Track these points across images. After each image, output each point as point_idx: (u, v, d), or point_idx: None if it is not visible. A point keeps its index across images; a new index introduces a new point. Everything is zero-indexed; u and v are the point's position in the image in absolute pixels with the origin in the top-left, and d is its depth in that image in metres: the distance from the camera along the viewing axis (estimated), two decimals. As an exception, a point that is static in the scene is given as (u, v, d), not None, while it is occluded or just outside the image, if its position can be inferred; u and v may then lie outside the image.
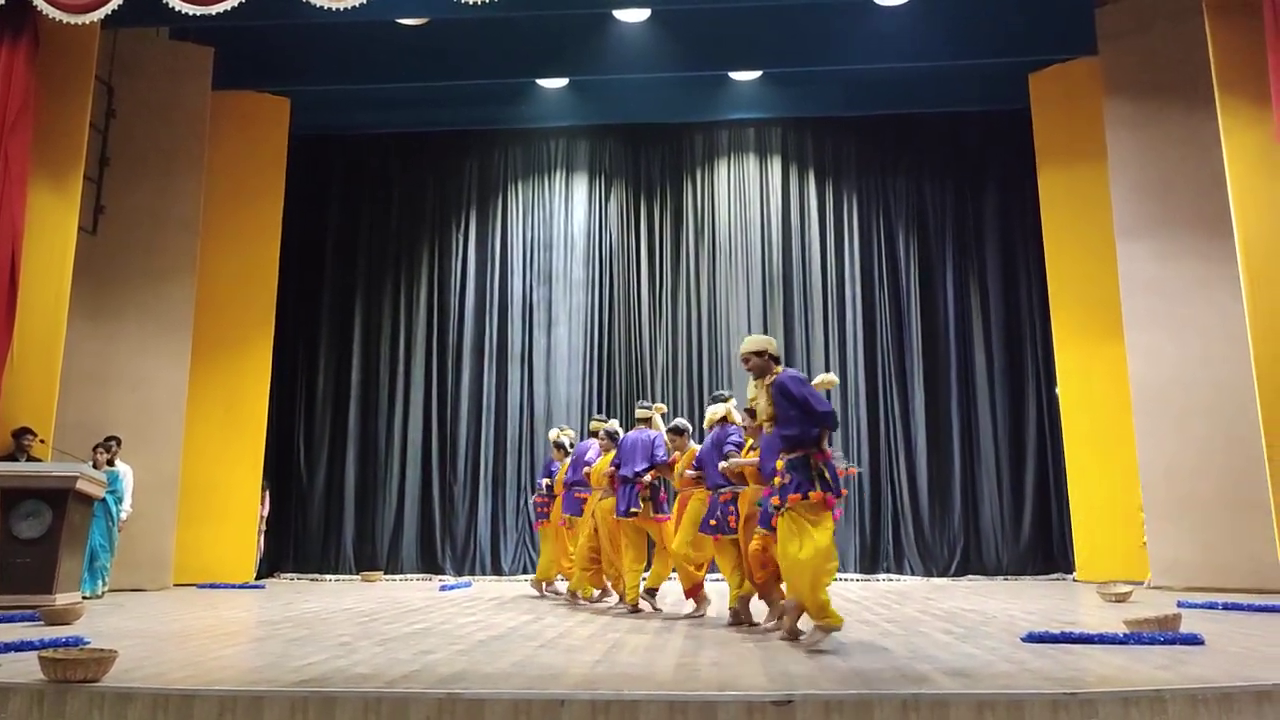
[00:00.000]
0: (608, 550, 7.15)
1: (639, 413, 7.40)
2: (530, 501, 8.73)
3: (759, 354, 5.01)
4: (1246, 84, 7.67)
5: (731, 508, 5.79)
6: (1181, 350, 8.76)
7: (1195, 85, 8.58)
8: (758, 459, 5.48)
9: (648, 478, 6.75)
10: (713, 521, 5.89)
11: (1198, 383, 8.62)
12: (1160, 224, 9.02)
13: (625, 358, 11.59)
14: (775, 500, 4.68)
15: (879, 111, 11.62)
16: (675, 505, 6.68)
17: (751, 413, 5.39)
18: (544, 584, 8.51)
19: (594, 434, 7.75)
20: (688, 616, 6.35)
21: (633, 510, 6.71)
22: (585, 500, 7.49)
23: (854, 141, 11.80)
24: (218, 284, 10.27)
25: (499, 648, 4.73)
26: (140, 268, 9.59)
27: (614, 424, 7.44)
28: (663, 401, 11.25)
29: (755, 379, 5.00)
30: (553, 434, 8.67)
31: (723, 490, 5.89)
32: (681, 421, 6.86)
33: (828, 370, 11.24)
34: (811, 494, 4.56)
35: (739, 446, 5.89)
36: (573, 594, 7.70)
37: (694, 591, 6.52)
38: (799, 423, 4.68)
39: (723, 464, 5.76)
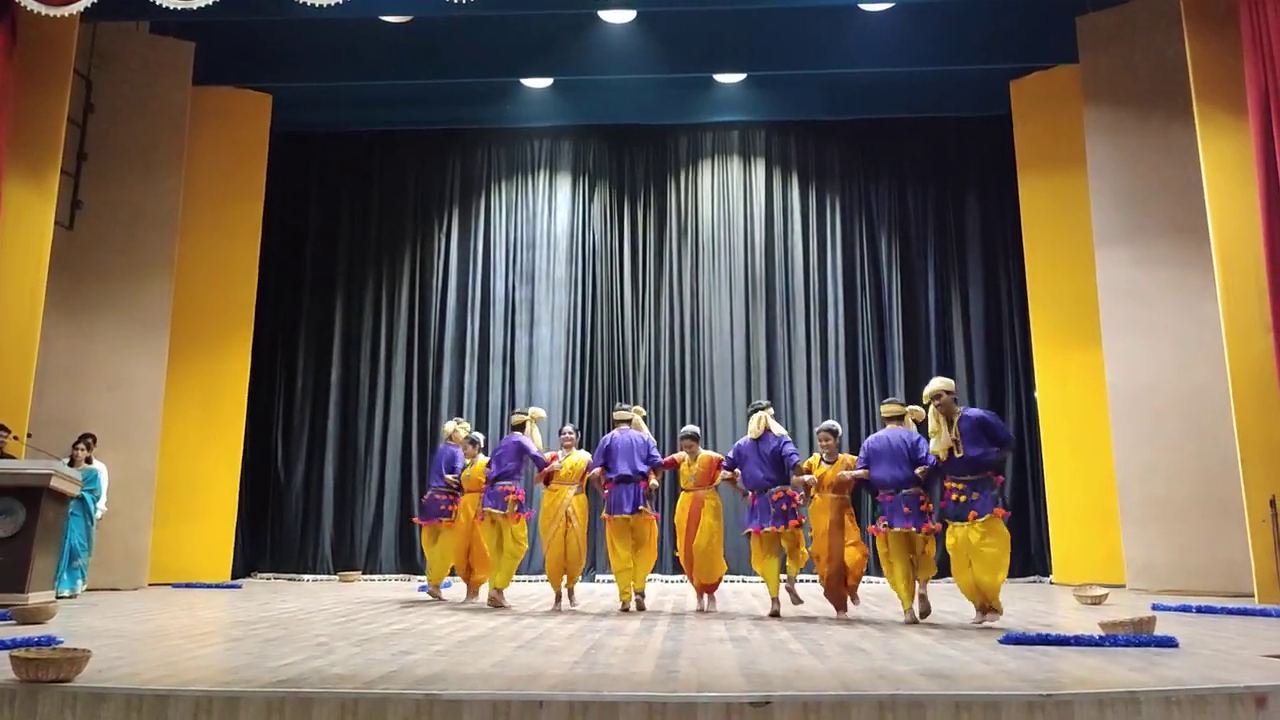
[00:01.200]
0: (574, 549, 7.14)
1: (620, 414, 7.47)
2: (429, 497, 8.10)
3: (949, 392, 6.01)
4: (1224, 94, 7.79)
5: (793, 503, 6.56)
6: (1158, 355, 8.86)
7: (1174, 94, 8.70)
8: (861, 470, 6.33)
9: (654, 479, 7.15)
10: (782, 516, 6.53)
11: (1173, 387, 8.72)
12: (1138, 230, 9.13)
13: (608, 358, 11.58)
14: (973, 515, 5.70)
15: (862, 116, 11.68)
16: (686, 505, 7.12)
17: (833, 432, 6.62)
18: (440, 587, 8.10)
19: (518, 427, 7.52)
20: (702, 612, 6.80)
21: (641, 508, 7.01)
22: (509, 495, 7.19)
23: (837, 145, 11.86)
24: (196, 281, 10.19)
25: (478, 648, 4.72)
26: (118, 264, 9.50)
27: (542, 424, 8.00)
28: (643, 403, 11.32)
29: (942, 414, 5.94)
30: (456, 428, 8.22)
31: (773, 490, 6.58)
32: (694, 428, 7.43)
33: (809, 373, 11.32)
34: (997, 510, 5.72)
35: (797, 455, 6.72)
36: (499, 591, 7.17)
37: (712, 588, 7.08)
38: (988, 450, 5.81)
39: (844, 472, 6.40)
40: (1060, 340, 10.06)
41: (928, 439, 6.15)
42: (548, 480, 7.35)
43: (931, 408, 6.04)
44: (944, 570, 10.55)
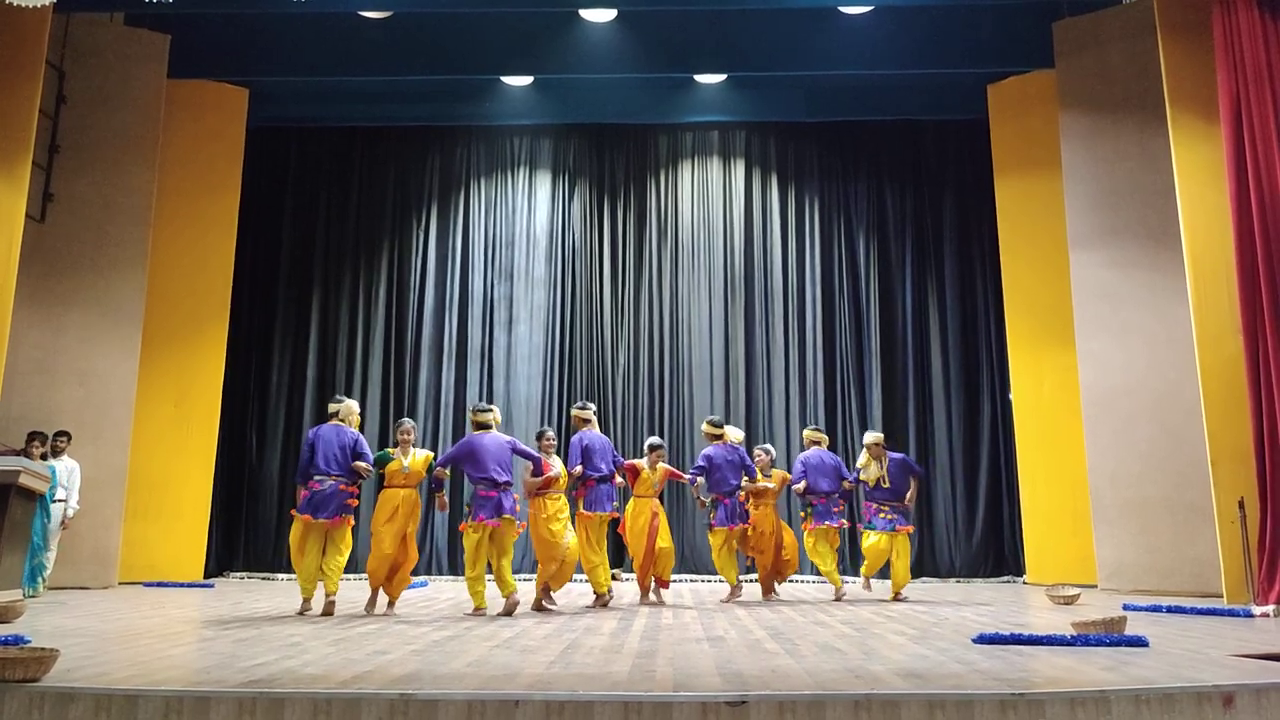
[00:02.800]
0: (551, 552, 6.96)
1: (586, 413, 7.56)
2: (332, 488, 6.70)
3: (881, 443, 8.27)
4: (1196, 101, 7.89)
5: (745, 505, 7.90)
6: (1130, 357, 8.97)
7: (1147, 100, 8.82)
8: (802, 482, 8.23)
9: (618, 478, 7.46)
10: (744, 515, 7.87)
11: (1145, 389, 8.83)
12: (1112, 234, 9.23)
13: (586, 357, 11.56)
14: (900, 529, 8.00)
15: (841, 118, 11.74)
16: (645, 510, 7.51)
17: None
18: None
19: (487, 426, 6.91)
20: (661, 605, 7.36)
21: (616, 505, 7.43)
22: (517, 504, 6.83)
23: (816, 146, 11.90)
24: (170, 276, 10.09)
25: (453, 648, 4.70)
26: (90, 258, 9.39)
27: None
28: (621, 402, 11.36)
29: (873, 456, 8.16)
30: (355, 410, 7.15)
31: (737, 493, 7.81)
32: (659, 439, 8.09)
33: (787, 373, 11.37)
34: (909, 526, 8.12)
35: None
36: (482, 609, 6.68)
37: (667, 583, 7.70)
38: (905, 483, 8.13)
39: (798, 486, 8.26)
40: (1035, 342, 10.16)
41: (850, 468, 8.54)
42: (545, 487, 6.95)
43: (867, 450, 8.22)
44: (914, 572, 10.70)
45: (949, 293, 11.42)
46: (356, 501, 6.91)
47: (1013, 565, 10.62)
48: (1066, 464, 9.54)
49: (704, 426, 8.25)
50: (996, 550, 10.80)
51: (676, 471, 8.00)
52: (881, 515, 7.98)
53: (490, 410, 7.10)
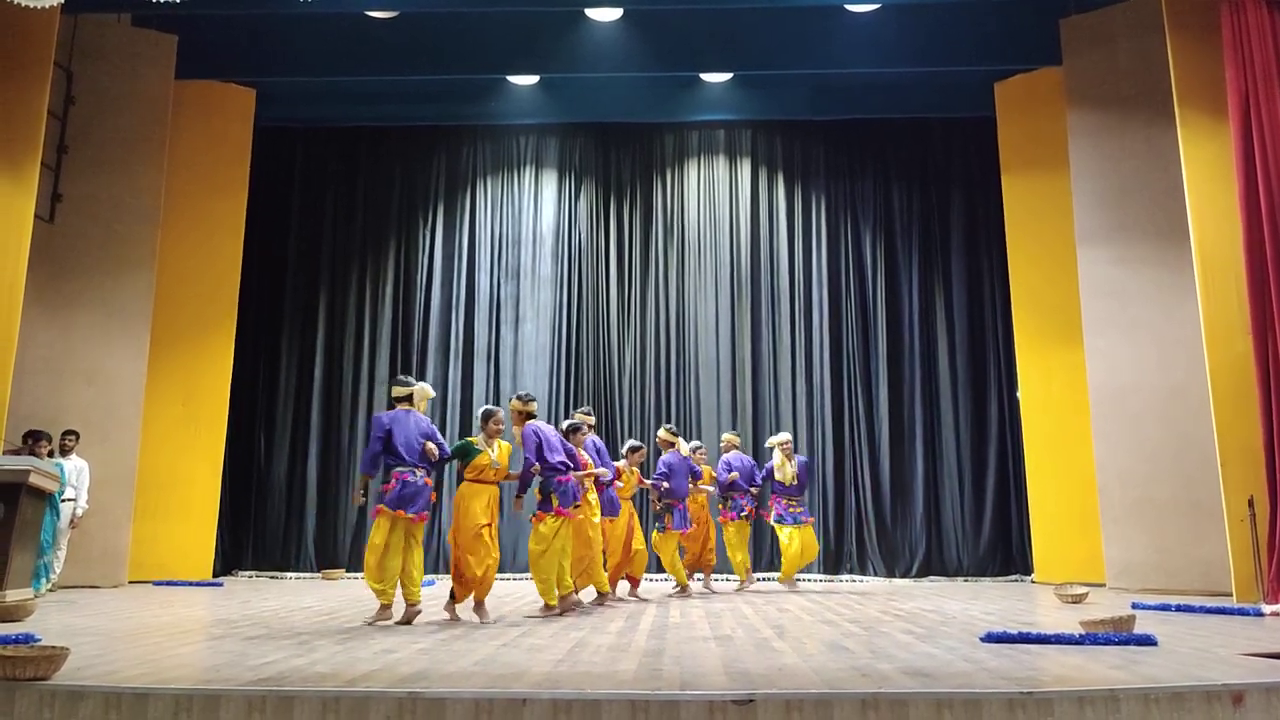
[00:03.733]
0: (586, 549, 6.94)
1: (589, 418, 7.54)
2: (420, 481, 6.14)
3: (790, 442, 9.05)
4: (1204, 98, 7.86)
5: (688, 513, 8.49)
6: (1138, 355, 8.93)
7: (1155, 98, 8.78)
8: (732, 474, 8.84)
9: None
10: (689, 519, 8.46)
11: (1154, 387, 8.80)
12: (1120, 231, 9.20)
13: (593, 356, 11.57)
14: (806, 520, 8.97)
15: (848, 116, 11.72)
16: (627, 511, 7.78)
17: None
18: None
19: (533, 416, 6.67)
20: (641, 600, 7.71)
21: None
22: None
23: (822, 145, 11.89)
24: (179, 276, 10.12)
25: (461, 647, 4.70)
26: (98, 258, 9.42)
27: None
28: (628, 402, 11.37)
29: (785, 456, 8.88)
30: (426, 394, 6.50)
31: (686, 498, 8.42)
32: (639, 441, 8.59)
33: (793, 372, 11.37)
34: (811, 519, 9.10)
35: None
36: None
37: (638, 581, 8.04)
38: (806, 483, 9.09)
39: (724, 477, 8.86)
40: (1042, 340, 10.13)
41: (760, 466, 9.15)
42: (588, 479, 6.90)
43: (780, 450, 8.91)
44: (921, 571, 10.70)
45: (956, 290, 11.40)
46: (435, 495, 6.35)
47: (1020, 564, 10.59)
48: (1075, 462, 9.51)
49: (660, 433, 8.76)
50: (1004, 549, 10.78)
51: (641, 476, 8.30)
52: (792, 510, 8.81)
53: (532, 399, 6.82)
